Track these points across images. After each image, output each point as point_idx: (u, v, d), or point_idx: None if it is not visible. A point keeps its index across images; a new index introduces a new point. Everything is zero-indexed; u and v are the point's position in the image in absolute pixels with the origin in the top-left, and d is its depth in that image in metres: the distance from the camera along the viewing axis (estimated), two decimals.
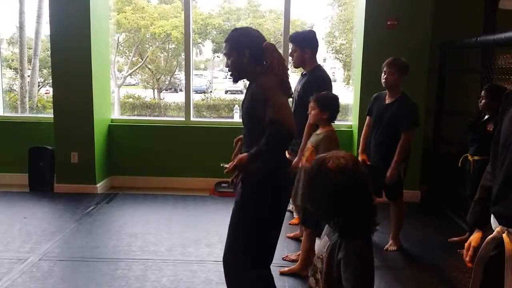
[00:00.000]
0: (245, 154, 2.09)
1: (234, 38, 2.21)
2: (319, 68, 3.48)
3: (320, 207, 1.56)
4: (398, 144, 3.40)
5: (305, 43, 3.45)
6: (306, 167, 2.81)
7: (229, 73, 2.25)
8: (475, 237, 1.71)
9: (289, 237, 3.79)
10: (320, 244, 1.62)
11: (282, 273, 3.15)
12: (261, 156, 2.04)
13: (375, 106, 3.62)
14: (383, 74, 3.46)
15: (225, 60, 2.25)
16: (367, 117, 3.73)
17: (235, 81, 2.27)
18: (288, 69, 2.24)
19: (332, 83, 3.52)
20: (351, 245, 1.49)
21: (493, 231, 1.60)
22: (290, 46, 3.61)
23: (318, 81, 3.35)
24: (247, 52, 2.15)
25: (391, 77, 3.41)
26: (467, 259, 1.69)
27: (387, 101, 3.51)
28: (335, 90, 3.31)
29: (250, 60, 2.17)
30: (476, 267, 1.64)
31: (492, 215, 1.63)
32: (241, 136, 2.36)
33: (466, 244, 1.74)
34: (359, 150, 3.71)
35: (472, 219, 1.77)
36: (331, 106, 3.01)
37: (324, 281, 1.56)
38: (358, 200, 1.49)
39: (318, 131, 3.05)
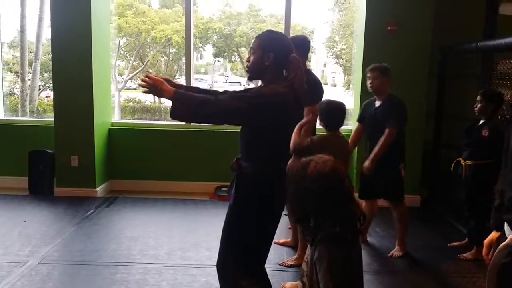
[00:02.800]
0: (175, 88, 2.00)
1: (266, 37, 2.17)
2: (310, 72, 3.52)
3: (295, 209, 1.61)
4: (381, 138, 3.43)
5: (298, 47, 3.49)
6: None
7: (247, 69, 2.21)
8: (495, 235, 1.73)
9: (277, 244, 3.65)
10: (309, 248, 1.65)
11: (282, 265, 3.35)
12: (192, 102, 1.96)
13: (367, 113, 3.69)
14: (368, 81, 3.58)
15: (248, 54, 2.21)
16: (358, 124, 3.82)
17: (250, 79, 2.26)
18: (305, 88, 2.21)
19: (322, 83, 3.58)
20: (322, 249, 1.52)
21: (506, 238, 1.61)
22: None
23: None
24: (271, 56, 2.11)
25: (375, 81, 3.53)
26: (490, 256, 1.70)
27: (376, 105, 3.60)
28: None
29: (271, 64, 2.12)
30: (489, 274, 1.66)
31: (505, 222, 1.64)
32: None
33: (485, 242, 1.76)
34: None
35: (494, 225, 1.79)
36: (325, 116, 3.00)
37: (308, 284, 1.59)
38: (329, 206, 1.52)
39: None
